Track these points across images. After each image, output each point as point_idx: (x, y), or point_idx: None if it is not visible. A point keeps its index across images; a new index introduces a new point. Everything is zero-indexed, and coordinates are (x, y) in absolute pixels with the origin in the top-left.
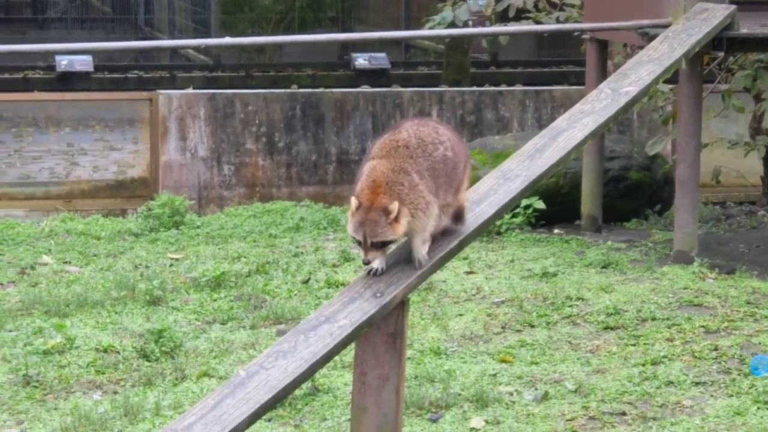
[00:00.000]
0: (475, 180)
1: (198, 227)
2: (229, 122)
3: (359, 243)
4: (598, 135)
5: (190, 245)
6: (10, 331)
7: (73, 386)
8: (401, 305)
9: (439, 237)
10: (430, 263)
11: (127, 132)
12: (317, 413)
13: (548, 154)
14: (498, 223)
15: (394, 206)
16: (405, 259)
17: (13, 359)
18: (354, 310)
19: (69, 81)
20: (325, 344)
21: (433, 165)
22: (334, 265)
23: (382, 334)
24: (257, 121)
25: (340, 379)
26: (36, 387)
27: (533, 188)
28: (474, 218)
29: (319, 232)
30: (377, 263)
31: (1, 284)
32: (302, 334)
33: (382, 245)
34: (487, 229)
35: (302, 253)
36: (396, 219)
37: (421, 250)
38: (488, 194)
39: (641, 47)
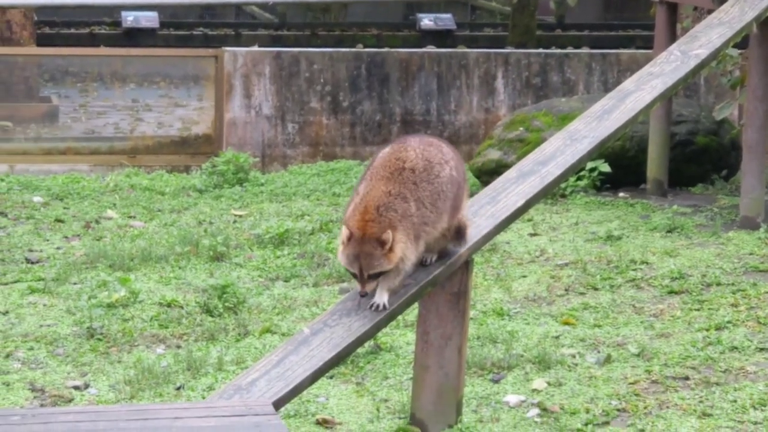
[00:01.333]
0: (540, 141)
1: (262, 184)
2: (294, 81)
3: (354, 276)
4: (667, 97)
5: (253, 202)
6: (75, 284)
7: (136, 340)
8: (465, 265)
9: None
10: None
11: (192, 89)
12: (379, 371)
13: (616, 115)
14: (563, 185)
15: (388, 236)
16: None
17: (78, 312)
18: (418, 270)
19: (134, 37)
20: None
21: (439, 188)
22: None
23: (445, 294)
24: (322, 80)
25: (402, 338)
26: (100, 340)
27: (600, 150)
28: (540, 179)
29: None
30: (378, 298)
31: (66, 238)
32: None
33: (377, 275)
34: (552, 191)
35: None
36: (391, 248)
37: (385, 295)
38: (554, 155)
39: (711, 10)
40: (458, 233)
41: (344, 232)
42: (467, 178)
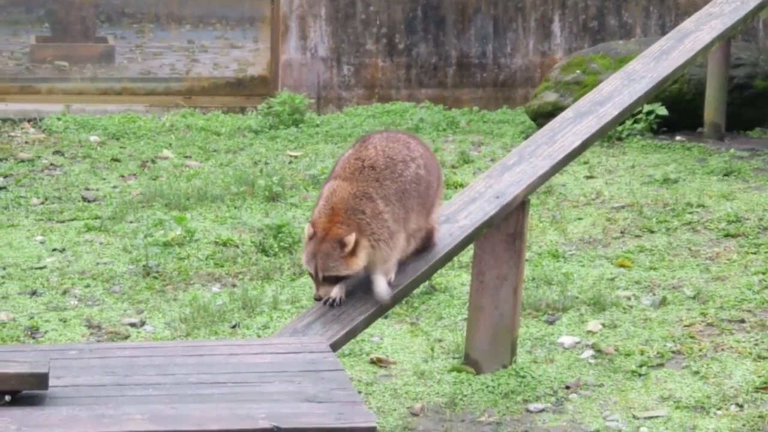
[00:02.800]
0: (597, 84)
1: (317, 126)
2: (350, 22)
3: (311, 276)
4: (726, 38)
5: (309, 143)
6: (131, 222)
7: (192, 278)
8: (522, 206)
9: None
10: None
11: (248, 30)
12: (433, 312)
13: (675, 55)
14: (619, 128)
15: (351, 238)
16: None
17: (134, 250)
18: (474, 210)
19: None
20: (445, 244)
21: (403, 186)
22: (453, 166)
23: (501, 235)
24: (378, 22)
25: (456, 279)
26: (156, 278)
27: (658, 91)
28: (597, 120)
29: (438, 133)
30: (335, 292)
31: (123, 177)
32: None
33: (335, 280)
34: (609, 133)
35: None
36: (353, 252)
37: (382, 283)
38: (612, 95)
39: None
40: (427, 238)
41: (307, 229)
42: (442, 178)
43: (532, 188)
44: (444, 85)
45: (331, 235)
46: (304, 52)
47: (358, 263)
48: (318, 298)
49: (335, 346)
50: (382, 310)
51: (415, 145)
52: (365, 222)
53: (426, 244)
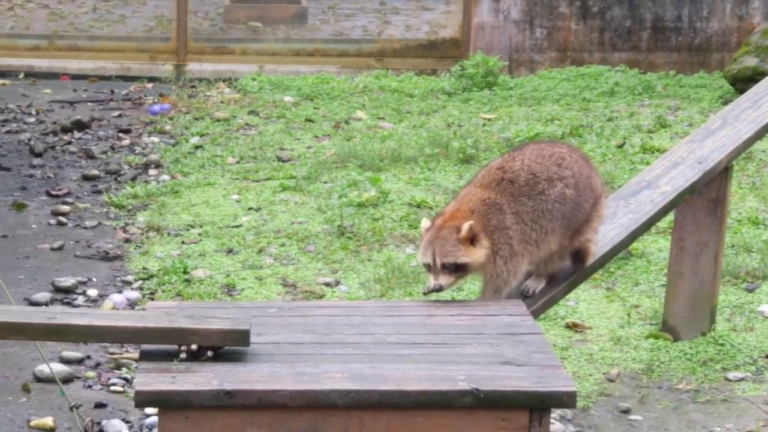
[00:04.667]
0: None
1: (510, 88)
2: None
3: (428, 267)
4: None
5: (502, 106)
6: (326, 182)
7: (386, 239)
8: (725, 171)
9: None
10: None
11: None
12: (630, 277)
13: None
14: None
15: (466, 225)
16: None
17: (329, 210)
18: (676, 176)
19: None
20: (646, 211)
21: (542, 206)
22: (649, 131)
23: (703, 200)
24: None
25: (654, 244)
26: (350, 238)
27: None
28: None
29: (634, 97)
30: (443, 280)
31: (316, 137)
32: (622, 199)
33: (454, 269)
34: None
35: (616, 117)
36: (470, 240)
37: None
38: None
39: None
40: (576, 257)
41: (424, 223)
42: (601, 196)
43: (735, 153)
44: (638, 48)
45: (449, 224)
46: (497, 15)
47: (477, 254)
48: (437, 288)
49: (535, 314)
50: (584, 276)
51: (570, 161)
52: (489, 230)
53: (576, 261)
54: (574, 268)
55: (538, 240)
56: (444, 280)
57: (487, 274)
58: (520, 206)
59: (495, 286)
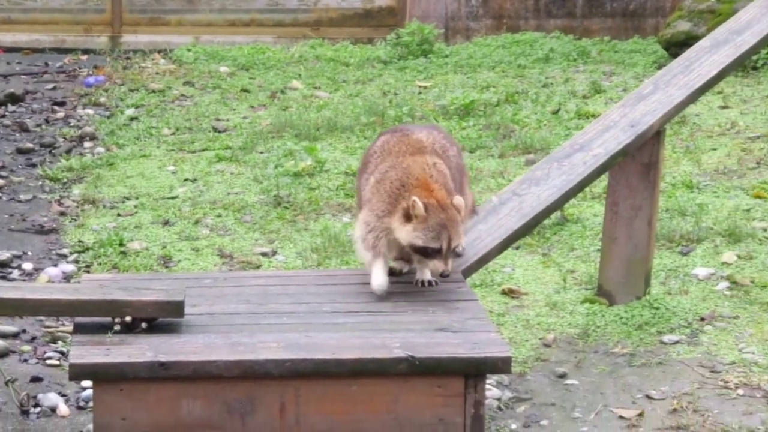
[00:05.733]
0: (731, 13)
1: (446, 56)
2: None
3: (437, 251)
4: None
5: (438, 74)
6: (262, 152)
7: (322, 208)
8: (657, 135)
9: None
10: None
11: None
12: (565, 243)
13: None
14: (755, 57)
15: (460, 201)
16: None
17: (265, 180)
18: (609, 139)
19: None
20: (579, 173)
21: (453, 172)
22: (584, 96)
23: (636, 165)
24: None
25: (589, 209)
26: (287, 208)
27: None
28: (734, 49)
29: (569, 63)
30: (424, 275)
31: (252, 107)
32: (556, 162)
33: (456, 252)
34: (744, 63)
35: (551, 83)
36: (463, 217)
37: (428, 273)
38: (750, 23)
39: None
40: None
41: (416, 203)
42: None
43: (667, 117)
44: (573, 15)
45: (444, 201)
46: None
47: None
48: (447, 275)
49: (467, 272)
50: (516, 235)
51: (446, 135)
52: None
53: None
54: None
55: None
56: (452, 264)
57: None
58: (449, 167)
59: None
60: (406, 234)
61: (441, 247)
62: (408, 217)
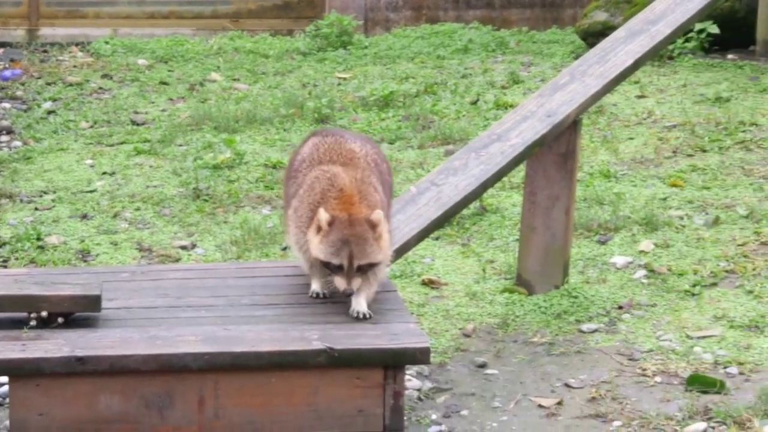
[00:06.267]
0: (647, 3)
1: (365, 47)
2: None
3: (339, 268)
4: None
5: (357, 65)
6: (181, 145)
7: (242, 201)
8: (574, 125)
9: None
10: None
11: None
12: (485, 233)
13: None
14: (670, 47)
15: (378, 216)
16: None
17: (184, 173)
18: (526, 129)
19: None
20: (497, 162)
21: (384, 178)
22: (503, 87)
23: (553, 154)
24: None
25: (508, 199)
26: (206, 200)
27: (711, 9)
28: (649, 39)
29: (488, 54)
30: (359, 305)
31: (171, 100)
32: (473, 152)
33: (367, 269)
34: (660, 53)
35: (470, 74)
36: (380, 235)
37: (365, 304)
38: (665, 14)
39: None
40: None
41: (323, 214)
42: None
43: (584, 107)
44: (492, 6)
45: (355, 217)
46: None
47: (386, 248)
48: (350, 293)
49: None
50: (435, 225)
51: (372, 144)
52: (379, 203)
53: None
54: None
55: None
56: (356, 282)
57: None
58: (379, 180)
59: (382, 271)
60: (313, 247)
61: (342, 264)
62: (318, 229)
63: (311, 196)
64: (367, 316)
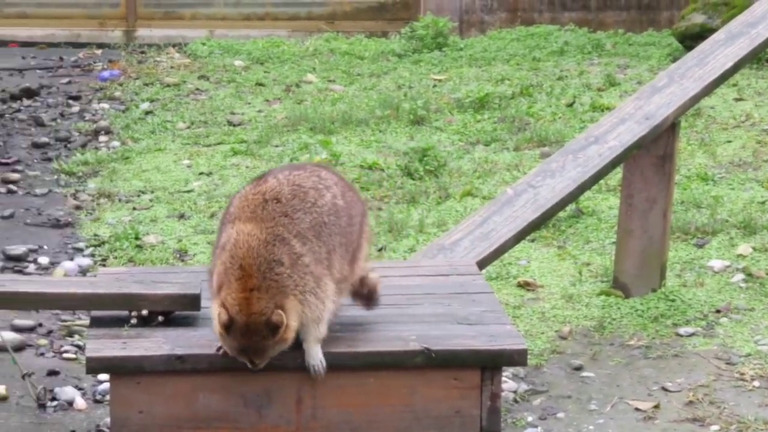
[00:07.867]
0: (747, 5)
1: (461, 49)
2: None
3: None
4: None
5: (453, 67)
6: (277, 146)
7: None
8: (672, 128)
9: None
10: None
11: None
12: (581, 235)
13: None
14: None
15: (280, 318)
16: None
17: None
18: (624, 132)
19: None
20: (594, 165)
21: (320, 219)
22: (599, 89)
23: (651, 157)
24: None
25: (604, 202)
26: None
27: None
28: (749, 41)
29: (584, 56)
30: (312, 359)
31: (267, 101)
32: (570, 154)
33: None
34: (759, 55)
35: (566, 76)
36: (287, 326)
37: (316, 353)
38: (765, 16)
39: None
40: (369, 293)
41: (220, 316)
42: (367, 216)
43: (682, 110)
44: (587, 8)
45: (254, 319)
46: None
47: (293, 333)
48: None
49: (483, 264)
50: (531, 227)
51: (327, 174)
52: (286, 275)
53: (369, 300)
54: (367, 307)
55: (327, 259)
56: (264, 363)
57: (306, 324)
58: (297, 225)
59: (317, 334)
60: (216, 332)
61: (244, 362)
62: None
63: (219, 266)
64: (322, 369)
